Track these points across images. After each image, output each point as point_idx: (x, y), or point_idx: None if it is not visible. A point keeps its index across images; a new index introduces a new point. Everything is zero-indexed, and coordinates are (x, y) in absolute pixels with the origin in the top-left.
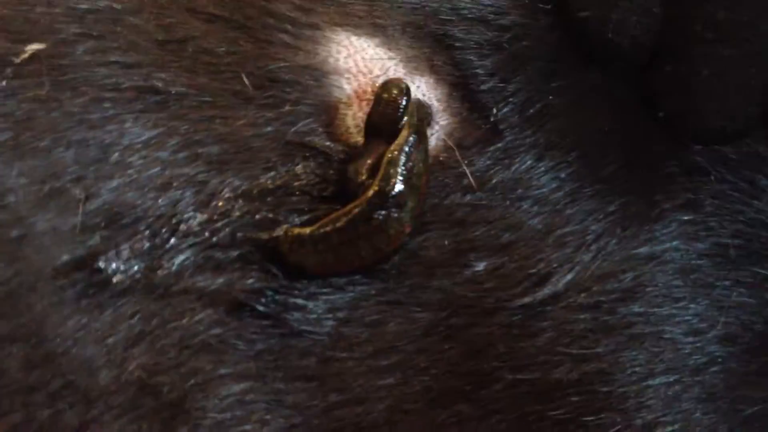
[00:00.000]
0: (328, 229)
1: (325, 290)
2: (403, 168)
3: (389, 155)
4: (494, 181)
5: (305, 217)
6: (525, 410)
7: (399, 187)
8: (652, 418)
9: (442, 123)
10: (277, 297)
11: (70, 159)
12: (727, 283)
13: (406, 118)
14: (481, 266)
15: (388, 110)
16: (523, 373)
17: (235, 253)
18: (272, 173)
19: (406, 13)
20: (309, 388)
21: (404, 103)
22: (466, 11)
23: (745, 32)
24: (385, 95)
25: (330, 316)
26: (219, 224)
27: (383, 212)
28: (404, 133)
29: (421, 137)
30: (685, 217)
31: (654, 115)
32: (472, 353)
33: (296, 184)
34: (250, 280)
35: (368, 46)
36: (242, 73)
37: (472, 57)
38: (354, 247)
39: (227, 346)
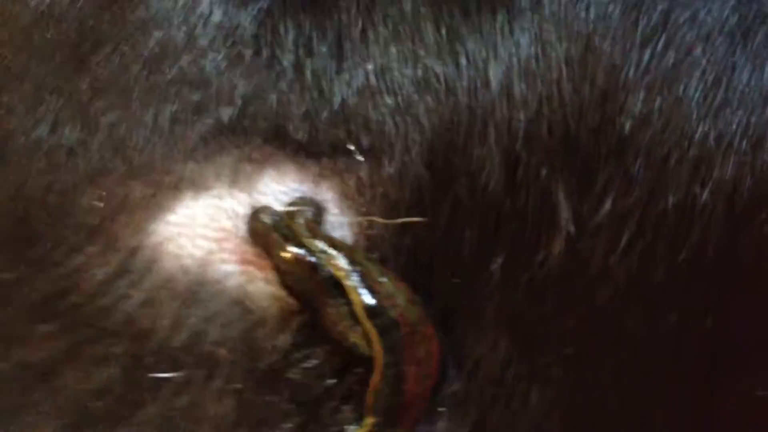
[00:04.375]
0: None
1: None
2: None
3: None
4: None
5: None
6: None
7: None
8: None
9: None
10: None
11: None
12: None
13: (319, 260)
14: None
15: (294, 274)
16: None
17: None
18: None
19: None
20: None
21: (307, 256)
22: None
23: None
24: (283, 262)
25: None
26: None
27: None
28: (348, 289)
29: (356, 260)
30: None
31: None
32: None
33: None
34: None
35: (191, 208)
36: None
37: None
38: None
39: None
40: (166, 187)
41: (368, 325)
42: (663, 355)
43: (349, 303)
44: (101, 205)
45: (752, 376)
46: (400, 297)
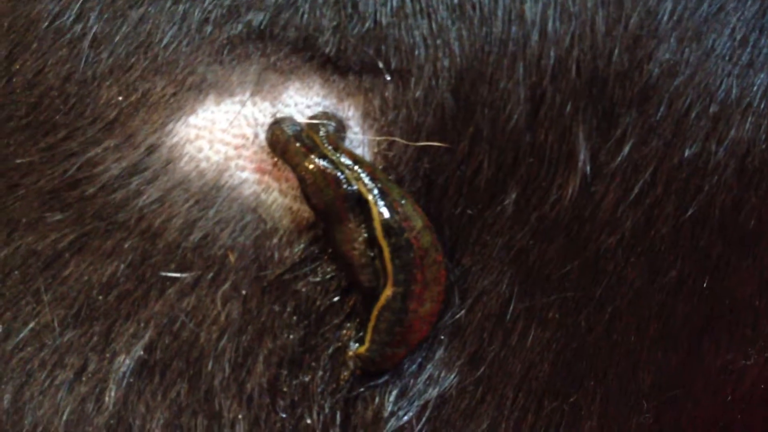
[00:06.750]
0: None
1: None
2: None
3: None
4: None
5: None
6: None
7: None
8: None
9: (353, 114)
10: None
11: None
12: None
13: (344, 175)
14: None
15: (318, 186)
16: None
17: None
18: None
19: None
20: None
21: (327, 169)
22: None
23: None
24: (308, 173)
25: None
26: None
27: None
28: (371, 204)
29: (378, 178)
30: None
31: None
32: None
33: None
34: None
35: (212, 112)
36: None
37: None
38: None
39: None
40: (188, 87)
41: (384, 243)
42: (658, 312)
43: (367, 219)
44: (121, 98)
45: (737, 346)
46: (417, 220)
